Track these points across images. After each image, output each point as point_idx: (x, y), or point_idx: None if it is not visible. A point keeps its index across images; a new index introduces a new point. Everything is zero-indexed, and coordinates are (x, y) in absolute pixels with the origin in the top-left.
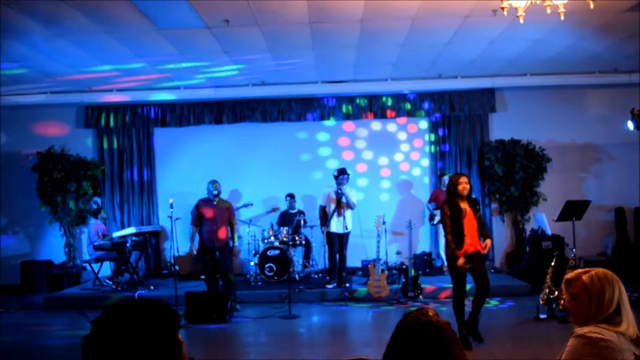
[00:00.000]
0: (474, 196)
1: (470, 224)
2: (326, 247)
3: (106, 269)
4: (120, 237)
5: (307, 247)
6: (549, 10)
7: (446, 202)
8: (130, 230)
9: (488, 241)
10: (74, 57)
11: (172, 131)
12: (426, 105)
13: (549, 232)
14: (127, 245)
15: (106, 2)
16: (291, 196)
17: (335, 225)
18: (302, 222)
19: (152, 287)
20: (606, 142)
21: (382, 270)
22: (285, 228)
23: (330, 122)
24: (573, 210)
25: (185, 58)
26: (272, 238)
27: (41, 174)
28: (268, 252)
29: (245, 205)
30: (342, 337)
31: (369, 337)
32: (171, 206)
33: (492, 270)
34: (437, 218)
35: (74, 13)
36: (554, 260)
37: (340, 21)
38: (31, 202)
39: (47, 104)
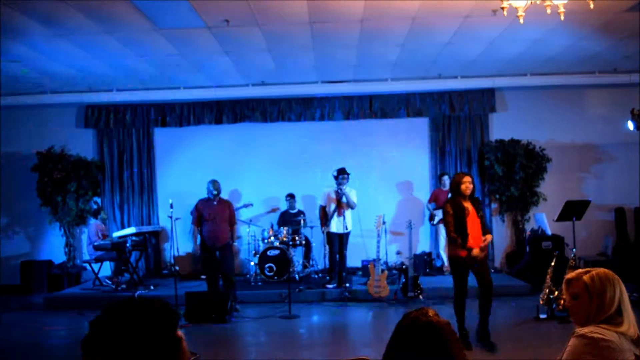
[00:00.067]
0: (476, 196)
1: (473, 224)
2: (326, 247)
3: (106, 269)
4: (120, 237)
5: (307, 247)
6: (549, 10)
7: (448, 201)
8: (130, 230)
9: (488, 236)
10: (74, 57)
11: (172, 131)
12: (426, 105)
13: (549, 232)
14: (127, 245)
15: (106, 2)
16: (291, 196)
17: (336, 225)
18: (302, 222)
19: (152, 287)
20: (606, 142)
21: (382, 270)
22: (285, 228)
23: (330, 122)
24: (573, 210)
25: (185, 58)
26: (272, 238)
27: (41, 174)
28: (268, 252)
29: (245, 206)
30: (342, 337)
31: (369, 337)
32: (171, 206)
33: (492, 270)
34: (437, 218)
35: (74, 13)
36: (554, 260)
37: (340, 21)
38: (31, 202)
39: (47, 104)
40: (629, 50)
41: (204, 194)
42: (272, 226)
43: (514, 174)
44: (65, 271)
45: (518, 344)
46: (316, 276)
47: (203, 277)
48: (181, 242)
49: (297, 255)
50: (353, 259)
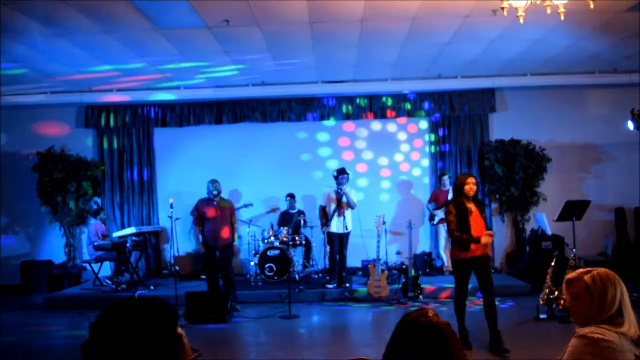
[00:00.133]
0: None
1: (476, 224)
2: (327, 247)
3: (106, 269)
4: (120, 237)
5: (307, 247)
6: (549, 10)
7: (451, 201)
8: (130, 230)
9: (490, 232)
10: (74, 57)
11: (172, 131)
12: (426, 105)
13: (549, 232)
14: (127, 245)
15: (106, 2)
16: (291, 196)
17: (336, 225)
18: (302, 222)
19: (152, 287)
20: (606, 142)
21: (382, 270)
22: (285, 228)
23: (330, 122)
24: (573, 210)
25: (185, 58)
26: (272, 238)
27: (41, 174)
28: (268, 252)
29: (245, 206)
30: (342, 337)
31: (369, 337)
32: (171, 206)
33: (492, 270)
34: (437, 218)
35: (74, 13)
36: (554, 260)
37: (340, 21)
38: (31, 202)
39: (47, 104)
40: (629, 50)
41: (204, 194)
42: (272, 226)
43: (514, 174)
44: (65, 271)
45: (518, 344)
46: (316, 276)
47: (203, 277)
48: (181, 242)
49: (297, 255)
50: (353, 259)
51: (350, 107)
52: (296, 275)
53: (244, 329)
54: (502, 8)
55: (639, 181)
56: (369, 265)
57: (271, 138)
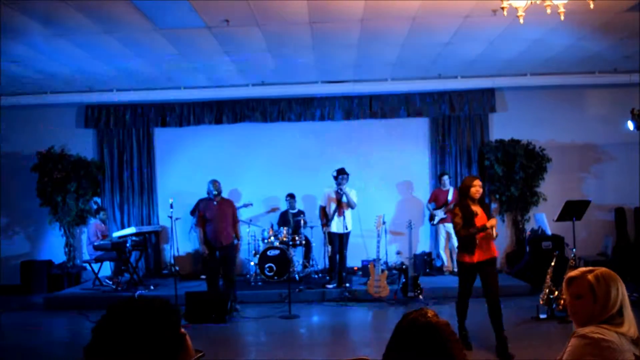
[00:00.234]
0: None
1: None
2: (326, 247)
3: (106, 269)
4: (120, 237)
5: (307, 247)
6: (549, 10)
7: (457, 204)
8: (130, 230)
9: (494, 220)
10: (74, 57)
11: (172, 131)
12: (426, 105)
13: (549, 232)
14: (127, 245)
15: (106, 2)
16: (291, 196)
17: (336, 225)
18: (302, 222)
19: (152, 287)
20: (606, 142)
21: (382, 270)
22: (285, 228)
23: (330, 122)
24: (573, 210)
25: (185, 58)
26: (272, 238)
27: (41, 174)
28: (268, 252)
29: (245, 205)
30: (342, 337)
31: (369, 337)
32: (171, 206)
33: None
34: (437, 218)
35: (74, 13)
36: (554, 260)
37: (340, 21)
38: (31, 202)
39: (47, 104)
40: (629, 50)
41: (204, 194)
42: (272, 226)
43: (514, 174)
44: (65, 271)
45: (518, 344)
46: (316, 276)
47: (203, 277)
48: (181, 242)
49: (297, 255)
50: (353, 259)
51: (350, 107)
52: (296, 275)
53: (244, 329)
54: (502, 8)
55: (639, 181)
56: (369, 265)
57: (271, 138)
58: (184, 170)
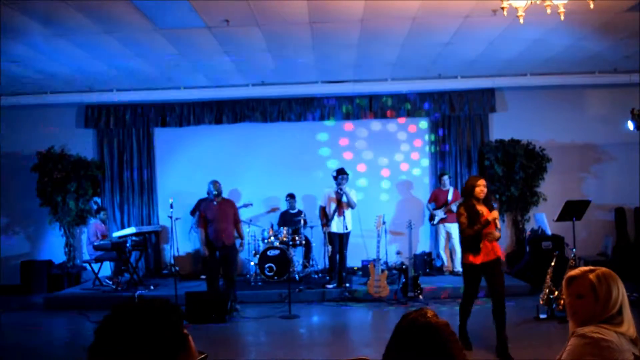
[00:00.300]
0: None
1: (489, 228)
2: (326, 247)
3: (106, 269)
4: (120, 237)
5: (307, 247)
6: (549, 10)
7: (462, 204)
8: (130, 230)
9: (495, 212)
10: (74, 57)
11: (172, 131)
12: (426, 105)
13: (549, 232)
14: (127, 245)
15: (106, 2)
16: (291, 196)
17: (336, 225)
18: (302, 222)
19: (152, 287)
20: (606, 142)
21: (382, 270)
22: (285, 228)
23: (330, 122)
24: (573, 210)
25: (185, 58)
26: (272, 238)
27: (41, 174)
28: (268, 252)
29: (245, 205)
30: (342, 337)
31: (369, 337)
32: (171, 206)
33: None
34: (437, 218)
35: (74, 13)
36: (554, 260)
37: (340, 21)
38: (31, 202)
39: (47, 104)
40: (629, 50)
41: (204, 194)
42: (272, 226)
43: (514, 174)
44: (65, 271)
45: (518, 344)
46: (316, 276)
47: (203, 277)
48: (181, 242)
49: (297, 255)
50: (353, 259)
51: (350, 107)
52: (296, 275)
53: (244, 329)
54: (502, 8)
55: (639, 181)
56: (369, 265)
57: (271, 138)
58: (184, 170)
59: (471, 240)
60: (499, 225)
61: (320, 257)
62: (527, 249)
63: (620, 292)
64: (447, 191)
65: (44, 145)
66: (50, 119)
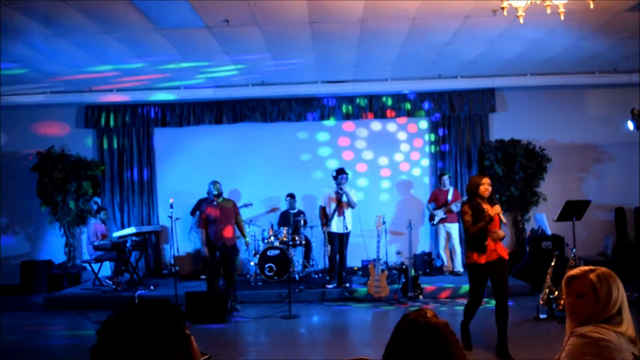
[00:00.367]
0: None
1: (492, 226)
2: (326, 247)
3: (106, 269)
4: (120, 237)
5: (307, 247)
6: (549, 10)
7: (466, 203)
8: (130, 230)
9: (497, 207)
10: (74, 57)
11: (172, 131)
12: (426, 105)
13: (549, 232)
14: (127, 245)
15: (106, 2)
16: (291, 196)
17: (336, 225)
18: (302, 222)
19: (152, 287)
20: (606, 142)
21: (382, 270)
22: (285, 228)
23: (330, 122)
24: (573, 210)
25: (185, 58)
26: (272, 238)
27: (41, 174)
28: (268, 252)
29: (245, 205)
30: (342, 337)
31: (369, 337)
32: (171, 206)
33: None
34: (437, 218)
35: (74, 13)
36: (554, 260)
37: (340, 21)
38: (31, 202)
39: (47, 104)
40: (629, 50)
41: (204, 194)
42: (272, 226)
43: (514, 174)
44: (65, 271)
45: (518, 344)
46: (316, 276)
47: (203, 277)
48: (181, 242)
49: (297, 255)
50: (353, 259)
51: (350, 107)
52: (296, 275)
53: (244, 329)
54: (502, 8)
55: (639, 181)
56: (369, 265)
57: (271, 138)
58: (184, 170)
59: (476, 238)
60: (504, 220)
61: (320, 257)
62: (527, 249)
63: (620, 292)
64: (447, 191)
65: (44, 145)
66: (50, 119)
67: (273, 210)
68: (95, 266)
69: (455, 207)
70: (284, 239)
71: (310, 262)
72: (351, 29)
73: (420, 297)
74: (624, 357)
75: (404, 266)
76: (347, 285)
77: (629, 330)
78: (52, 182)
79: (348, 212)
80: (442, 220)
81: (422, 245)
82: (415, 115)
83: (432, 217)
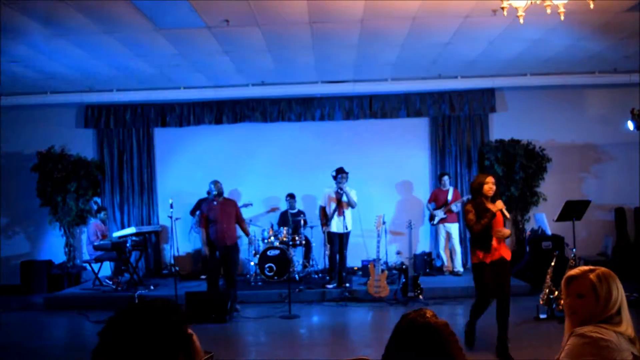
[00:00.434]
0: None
1: (496, 225)
2: (326, 247)
3: (106, 269)
4: (120, 237)
5: (307, 247)
6: (549, 10)
7: (470, 202)
8: (130, 230)
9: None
10: (74, 57)
11: (172, 131)
12: (426, 105)
13: (549, 232)
14: (127, 245)
15: (106, 2)
16: (291, 196)
17: (336, 225)
18: (302, 222)
19: (152, 287)
20: (606, 142)
21: (382, 270)
22: (285, 228)
23: (330, 122)
24: (573, 210)
25: (185, 58)
26: (272, 238)
27: (41, 174)
28: (268, 252)
29: (245, 205)
30: (342, 337)
31: (369, 337)
32: (171, 206)
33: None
34: (437, 218)
35: (74, 13)
36: (554, 260)
37: (340, 21)
38: (31, 202)
39: (47, 104)
40: (629, 50)
41: (204, 194)
42: (272, 226)
43: (514, 174)
44: (65, 271)
45: (518, 344)
46: (316, 276)
47: (203, 277)
48: (181, 242)
49: (297, 255)
50: (353, 259)
51: (350, 107)
52: (296, 275)
53: (244, 329)
54: (502, 8)
55: (639, 181)
56: (369, 265)
57: (271, 138)
58: (184, 170)
59: (480, 237)
60: (508, 215)
61: (320, 257)
62: (527, 249)
63: (620, 292)
64: (447, 191)
65: (44, 145)
66: (50, 119)
67: (273, 210)
68: (95, 266)
69: (455, 207)
70: (284, 239)
71: (310, 262)
72: (351, 29)
73: (420, 297)
74: (624, 357)
75: (403, 266)
76: (347, 285)
77: (629, 330)
78: (52, 182)
79: (348, 212)
80: (442, 220)
81: (422, 245)
82: (415, 115)
83: (432, 217)
